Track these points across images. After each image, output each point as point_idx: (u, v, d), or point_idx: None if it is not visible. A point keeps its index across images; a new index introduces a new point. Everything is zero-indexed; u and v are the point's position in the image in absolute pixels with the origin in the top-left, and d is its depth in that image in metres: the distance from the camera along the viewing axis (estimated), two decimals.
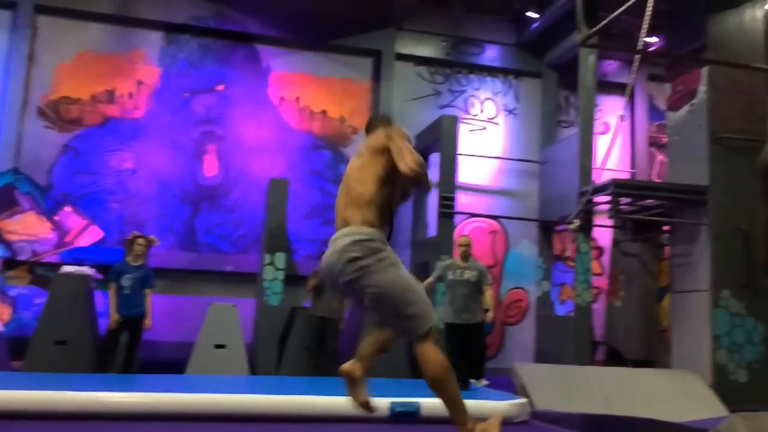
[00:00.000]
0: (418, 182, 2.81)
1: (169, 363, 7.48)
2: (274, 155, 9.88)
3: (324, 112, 10.14)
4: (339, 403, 5.26)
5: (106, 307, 6.97)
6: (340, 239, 2.91)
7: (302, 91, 10.11)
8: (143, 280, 6.93)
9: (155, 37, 9.74)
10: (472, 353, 6.81)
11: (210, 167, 9.74)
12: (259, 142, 9.87)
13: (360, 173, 2.97)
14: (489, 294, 6.73)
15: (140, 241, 7.06)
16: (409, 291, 2.84)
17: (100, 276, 7.86)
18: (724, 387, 7.42)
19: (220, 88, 9.88)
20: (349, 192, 2.96)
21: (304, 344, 8.32)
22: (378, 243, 2.89)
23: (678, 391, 7.18)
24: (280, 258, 8.44)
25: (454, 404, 2.76)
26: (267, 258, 8.43)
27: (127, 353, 6.89)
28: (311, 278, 8.23)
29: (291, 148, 9.96)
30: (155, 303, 7.16)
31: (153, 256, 7.57)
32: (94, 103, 9.40)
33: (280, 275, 8.39)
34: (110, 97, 9.48)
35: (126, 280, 6.84)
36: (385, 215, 2.97)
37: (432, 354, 2.78)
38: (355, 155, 3.20)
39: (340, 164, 10.08)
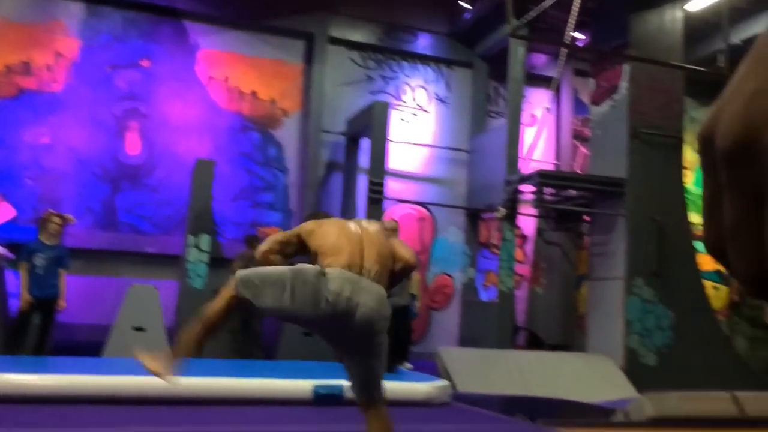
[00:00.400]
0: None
1: (85, 346, 7.22)
2: (201, 135, 9.64)
3: (254, 93, 9.95)
4: (262, 385, 5.23)
5: (18, 287, 6.66)
6: (377, 289, 2.78)
7: (231, 70, 9.89)
8: (57, 259, 6.66)
9: (76, 8, 9.29)
10: (398, 337, 6.87)
11: (132, 145, 9.41)
12: (186, 121, 9.60)
13: (382, 245, 2.96)
14: (416, 279, 6.78)
15: (55, 219, 6.77)
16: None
17: (11, 255, 7.49)
18: (634, 370, 7.77)
19: (145, 63, 9.54)
20: (380, 254, 2.89)
21: (227, 328, 8.20)
22: None
23: (592, 373, 7.48)
24: (205, 240, 8.26)
25: None
26: (191, 240, 8.24)
27: (40, 335, 6.62)
28: (236, 262, 8.11)
29: (219, 129, 9.74)
30: (71, 284, 6.90)
31: (69, 235, 7.28)
32: (8, 74, 8.90)
33: (205, 258, 8.22)
34: (26, 68, 9.00)
35: (39, 260, 6.55)
36: None
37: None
38: (357, 222, 3.13)
39: (269, 146, 9.94)
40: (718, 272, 12.09)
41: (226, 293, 2.77)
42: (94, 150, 9.16)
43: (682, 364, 7.90)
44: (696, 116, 12.34)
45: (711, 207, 0.42)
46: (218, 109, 9.78)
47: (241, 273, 2.77)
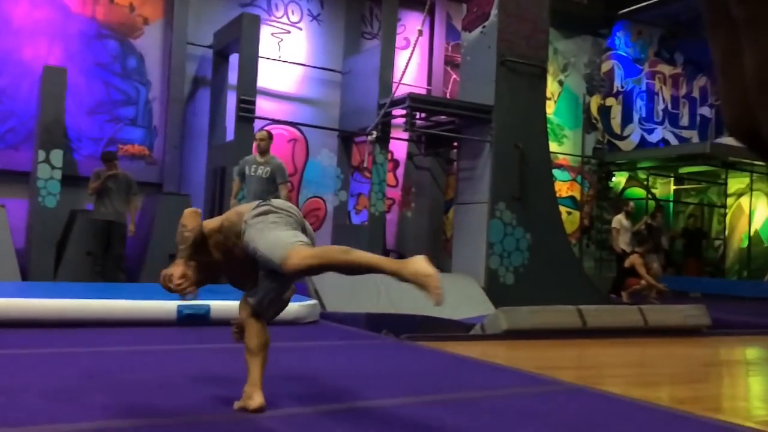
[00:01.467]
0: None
1: None
2: (51, 41, 8.77)
3: None
4: (125, 306, 5.03)
5: None
6: None
7: None
8: None
9: None
10: None
11: None
12: (31, 24, 8.67)
13: None
14: (284, 192, 6.60)
15: None
16: None
17: None
18: (494, 288, 8.25)
19: None
20: None
21: (86, 249, 7.78)
22: None
23: (456, 292, 7.83)
24: (57, 155, 7.67)
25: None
26: (41, 155, 7.62)
27: None
28: (93, 180, 7.62)
29: (70, 35, 8.88)
30: None
31: None
32: None
33: (57, 174, 7.66)
34: None
35: None
36: None
37: None
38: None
39: (129, 57, 9.24)
40: (572, 198, 12.95)
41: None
42: None
43: (536, 282, 8.47)
44: (559, 47, 12.85)
45: (727, 67, 0.36)
46: (69, 13, 8.89)
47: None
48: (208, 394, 3.05)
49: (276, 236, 2.66)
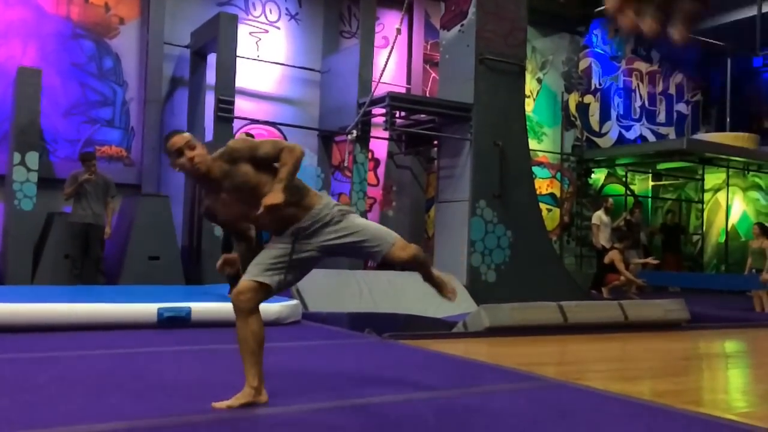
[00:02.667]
0: None
1: None
2: (25, 42, 8.63)
3: None
4: (105, 310, 4.97)
5: None
6: None
7: None
8: None
9: None
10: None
11: None
12: (5, 24, 8.53)
13: None
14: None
15: None
16: None
17: None
18: (476, 286, 8.27)
19: None
20: None
21: (63, 252, 7.68)
22: None
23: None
24: (33, 158, 7.57)
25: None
26: (17, 157, 7.52)
27: None
28: (69, 184, 7.52)
29: (45, 35, 8.75)
30: None
31: None
32: None
33: (33, 177, 7.56)
34: None
35: None
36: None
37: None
38: None
39: (105, 57, 9.13)
40: (552, 195, 13.03)
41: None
42: None
43: (518, 279, 8.51)
44: (537, 46, 12.92)
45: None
46: (43, 13, 8.76)
47: None
48: (190, 396, 3.03)
49: (379, 227, 3.04)
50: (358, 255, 3.28)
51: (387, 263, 3.13)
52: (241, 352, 2.87)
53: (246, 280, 2.84)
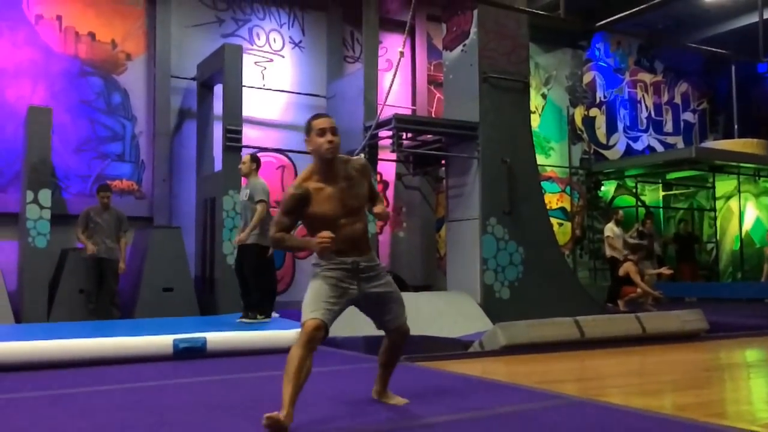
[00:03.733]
0: None
1: None
2: (34, 81, 8.77)
3: (92, 35, 9.16)
4: (121, 343, 4.98)
5: None
6: None
7: (64, 9, 9.02)
8: None
9: None
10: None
11: None
12: (14, 65, 8.68)
13: None
14: (259, 209, 6.57)
15: None
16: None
17: None
18: (490, 304, 8.23)
19: None
20: None
21: (78, 288, 7.73)
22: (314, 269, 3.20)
23: (452, 310, 7.83)
24: (45, 195, 7.65)
25: (284, 388, 2.89)
26: (29, 195, 7.59)
27: None
28: (81, 222, 7.57)
29: (53, 74, 8.89)
30: None
31: None
32: None
33: (46, 214, 7.63)
34: None
35: None
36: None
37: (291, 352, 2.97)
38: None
39: (113, 93, 9.25)
40: (562, 209, 13.00)
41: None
42: None
43: (532, 295, 8.47)
44: (540, 62, 12.99)
45: None
46: (51, 52, 8.91)
47: None
48: (211, 427, 3.02)
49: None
50: (381, 312, 3.30)
51: (386, 332, 3.39)
52: (292, 381, 2.87)
53: (321, 320, 2.98)
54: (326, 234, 2.96)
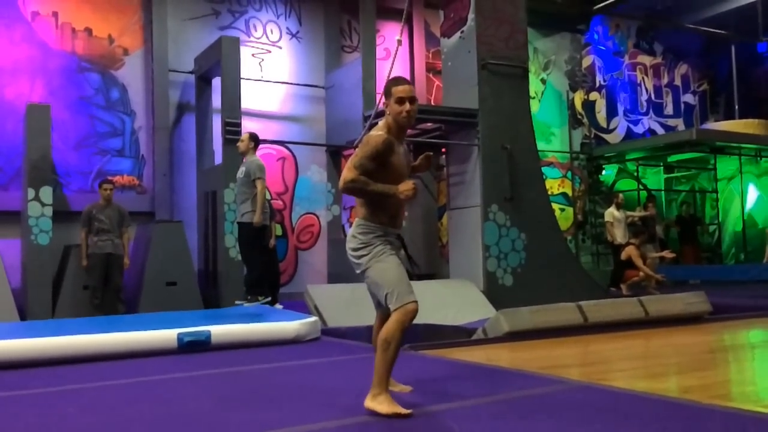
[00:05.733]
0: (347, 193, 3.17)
1: None
2: (32, 79, 8.76)
3: (88, 30, 9.14)
4: (126, 338, 5.00)
5: None
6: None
7: (60, 5, 8.99)
8: None
9: None
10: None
11: None
12: (11, 63, 8.67)
13: None
14: (259, 187, 6.61)
15: None
16: (382, 279, 3.20)
17: None
18: (493, 291, 8.24)
19: None
20: None
21: (82, 284, 7.75)
22: (368, 237, 3.21)
23: (456, 298, 7.83)
24: (47, 192, 7.66)
25: (384, 368, 3.07)
26: (31, 193, 7.60)
27: None
28: (84, 222, 7.59)
29: (51, 71, 8.88)
30: None
31: None
32: None
33: (48, 211, 7.64)
34: None
35: None
36: (378, 208, 3.18)
37: (392, 323, 3.11)
38: None
39: (112, 88, 9.24)
40: (564, 195, 12.99)
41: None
42: None
43: (535, 281, 8.47)
44: (539, 46, 12.92)
45: None
46: (48, 49, 8.89)
47: None
48: (214, 422, 3.03)
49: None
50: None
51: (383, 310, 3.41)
52: (387, 359, 3.06)
53: (415, 302, 3.17)
54: (409, 183, 3.05)
